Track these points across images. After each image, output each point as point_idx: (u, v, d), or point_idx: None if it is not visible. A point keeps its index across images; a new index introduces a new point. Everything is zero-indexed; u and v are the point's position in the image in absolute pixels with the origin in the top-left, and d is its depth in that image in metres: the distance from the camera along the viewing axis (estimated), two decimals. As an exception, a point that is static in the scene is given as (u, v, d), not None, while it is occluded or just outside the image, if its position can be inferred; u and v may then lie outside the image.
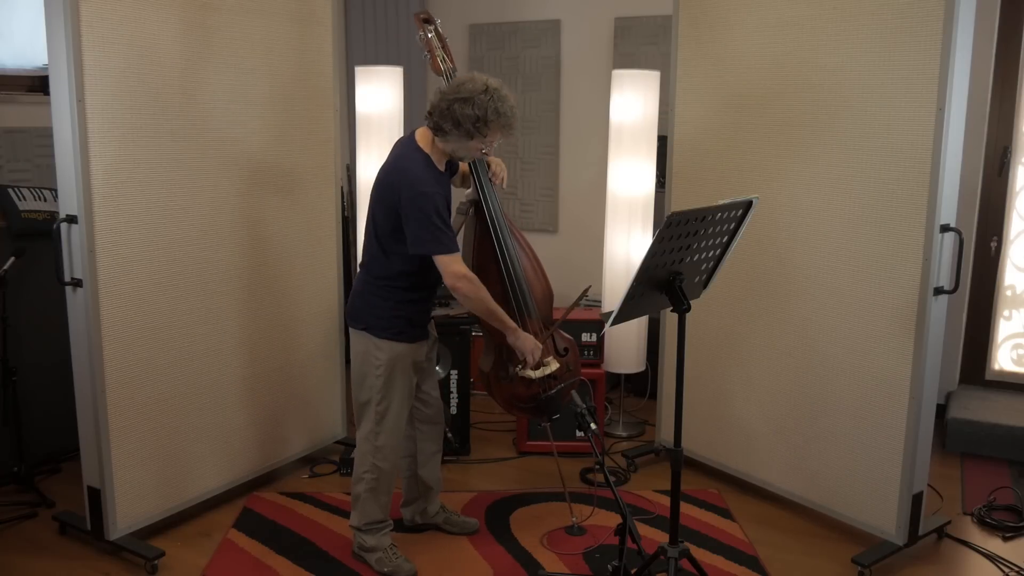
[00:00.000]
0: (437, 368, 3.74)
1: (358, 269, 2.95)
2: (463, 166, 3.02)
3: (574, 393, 2.99)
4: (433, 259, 2.65)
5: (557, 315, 3.20)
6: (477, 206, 2.98)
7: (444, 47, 3.01)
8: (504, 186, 3.04)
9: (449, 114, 2.60)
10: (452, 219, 3.07)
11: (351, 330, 2.85)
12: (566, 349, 3.16)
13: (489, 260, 2.96)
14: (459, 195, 3.04)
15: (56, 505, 3.31)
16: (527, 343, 2.87)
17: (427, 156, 2.70)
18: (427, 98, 2.98)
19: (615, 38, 4.75)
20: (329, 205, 3.69)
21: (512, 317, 2.97)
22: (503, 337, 2.97)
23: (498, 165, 3.00)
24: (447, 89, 2.64)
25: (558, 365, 3.06)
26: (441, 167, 2.75)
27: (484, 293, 2.73)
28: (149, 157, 2.92)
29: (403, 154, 2.73)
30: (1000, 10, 3.99)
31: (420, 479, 3.10)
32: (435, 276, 2.80)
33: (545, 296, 3.12)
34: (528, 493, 3.50)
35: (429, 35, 3.00)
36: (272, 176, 3.40)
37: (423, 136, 2.73)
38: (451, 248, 2.66)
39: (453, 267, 2.66)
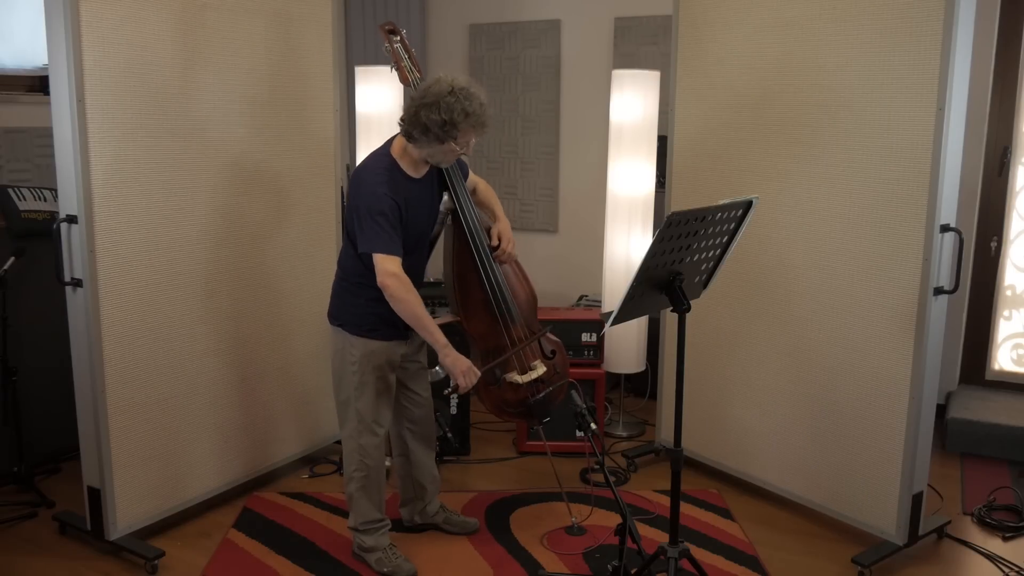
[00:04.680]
0: (436, 368, 3.73)
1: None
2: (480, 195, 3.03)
3: (573, 393, 2.98)
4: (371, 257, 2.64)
5: (544, 317, 3.17)
6: (454, 214, 2.95)
7: (411, 57, 2.99)
8: (511, 257, 3.01)
9: (416, 120, 2.58)
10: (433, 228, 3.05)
11: (330, 328, 2.86)
12: (553, 352, 3.15)
13: (469, 268, 2.94)
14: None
15: (56, 505, 3.31)
16: (459, 363, 2.75)
17: (394, 162, 2.69)
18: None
19: (615, 38, 4.75)
20: (329, 205, 3.69)
21: (495, 324, 2.97)
22: (491, 342, 2.96)
23: (508, 241, 2.97)
24: (415, 94, 2.63)
25: (545, 369, 3.06)
26: (415, 173, 2.73)
27: (412, 297, 2.66)
28: (149, 157, 2.92)
29: (368, 159, 2.74)
30: (1000, 10, 3.99)
31: (414, 479, 3.10)
32: (411, 277, 2.79)
33: (529, 301, 3.10)
34: (528, 493, 3.50)
35: (395, 46, 2.97)
36: (272, 176, 3.40)
37: (398, 142, 2.73)
38: (387, 248, 2.61)
39: (384, 264, 2.61)
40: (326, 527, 3.21)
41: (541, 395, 3.06)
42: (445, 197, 2.98)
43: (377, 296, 2.75)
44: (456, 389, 2.80)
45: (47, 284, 3.20)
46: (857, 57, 2.89)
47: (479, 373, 2.81)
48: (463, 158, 2.84)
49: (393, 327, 2.82)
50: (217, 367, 3.25)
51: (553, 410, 3.12)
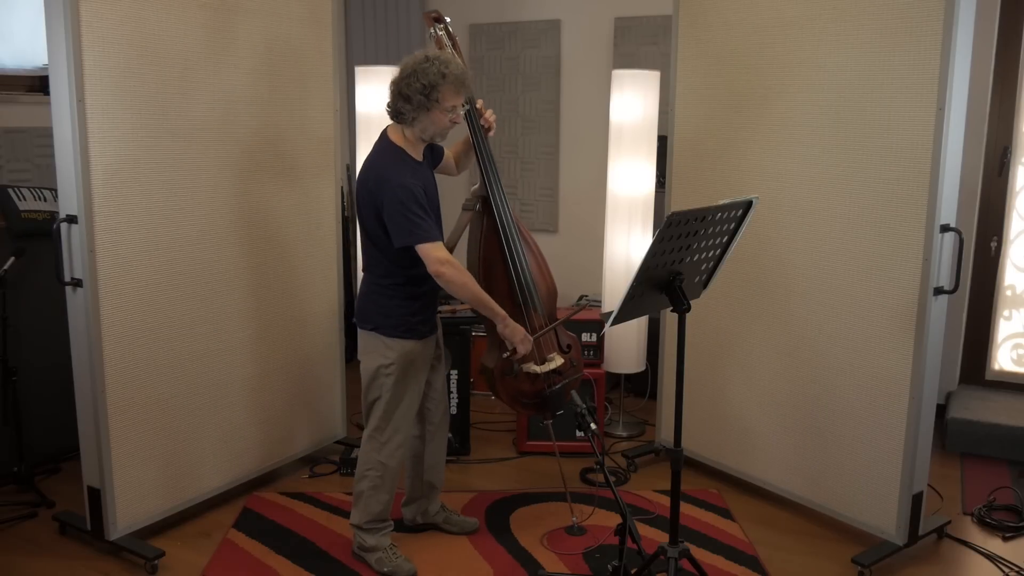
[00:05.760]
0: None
1: (360, 272, 2.95)
2: (453, 149, 3.03)
3: (574, 393, 2.99)
4: (415, 249, 2.63)
5: (560, 314, 3.21)
6: (485, 201, 2.99)
7: (454, 45, 3.02)
8: (492, 131, 3.03)
9: (399, 95, 2.63)
10: (459, 214, 3.09)
11: (360, 331, 2.85)
12: (569, 346, 3.18)
13: (496, 255, 2.98)
14: (447, 184, 3.03)
15: (56, 505, 3.31)
16: (517, 332, 2.84)
17: (401, 150, 2.71)
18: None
19: (615, 38, 4.75)
20: (329, 205, 3.70)
21: (518, 311, 2.99)
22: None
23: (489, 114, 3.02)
24: (394, 78, 2.66)
25: (562, 361, 3.09)
26: (418, 156, 2.75)
27: (469, 279, 2.70)
28: (149, 157, 2.92)
29: (377, 152, 2.75)
30: (1000, 10, 3.99)
31: (424, 479, 3.10)
32: None
33: (550, 292, 3.15)
34: (528, 493, 3.50)
35: (439, 33, 3.01)
36: (272, 176, 3.40)
37: (393, 130, 2.75)
38: (430, 236, 2.63)
39: (434, 253, 2.63)
40: (326, 527, 3.21)
41: (557, 387, 3.09)
42: (475, 186, 3.01)
43: (411, 294, 2.75)
44: (514, 354, 2.87)
45: (47, 284, 3.20)
46: (857, 57, 2.89)
47: (532, 340, 2.88)
48: (439, 144, 2.88)
49: (427, 323, 2.84)
50: (217, 367, 3.25)
51: (567, 403, 3.13)
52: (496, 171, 2.99)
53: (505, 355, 2.92)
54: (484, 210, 3.01)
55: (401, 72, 2.64)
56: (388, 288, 2.77)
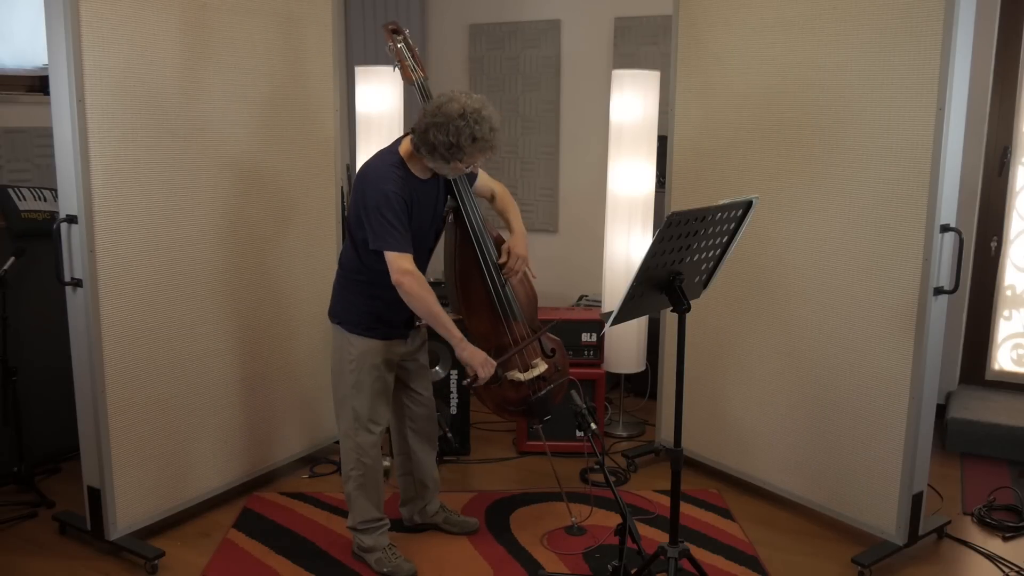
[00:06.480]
0: (437, 368, 3.74)
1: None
2: (498, 204, 3.03)
3: (573, 393, 2.99)
4: (384, 255, 2.63)
5: (544, 314, 3.19)
6: (456, 213, 2.95)
7: (414, 56, 2.97)
8: (517, 274, 2.97)
9: (425, 138, 2.57)
10: None
11: (331, 325, 2.87)
12: (553, 350, 3.16)
13: (471, 265, 2.94)
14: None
15: (56, 505, 3.31)
16: (476, 356, 2.77)
17: (402, 161, 2.69)
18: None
19: (615, 38, 4.75)
20: (328, 205, 3.70)
21: (497, 321, 2.97)
22: (493, 340, 2.96)
23: (516, 259, 2.93)
24: (429, 108, 2.59)
25: (546, 367, 3.07)
26: (422, 174, 2.72)
27: (428, 294, 2.65)
28: (149, 157, 2.92)
29: (380, 154, 2.74)
30: (1000, 10, 3.99)
31: (415, 478, 3.10)
32: None
33: (530, 299, 3.11)
34: (528, 493, 3.50)
35: (399, 45, 2.95)
36: (272, 176, 3.40)
37: (407, 144, 2.71)
38: (400, 247, 2.61)
39: (399, 263, 2.61)
40: (326, 527, 3.21)
41: (542, 393, 3.07)
42: (449, 197, 2.98)
43: (374, 294, 2.74)
44: (475, 380, 2.80)
45: (47, 284, 3.20)
46: (857, 57, 2.89)
47: (495, 364, 2.82)
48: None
49: (391, 326, 2.82)
50: (217, 367, 3.25)
51: (553, 408, 3.13)
52: (466, 181, 2.92)
53: (465, 382, 2.85)
54: (456, 221, 2.95)
55: (434, 112, 2.55)
56: (354, 284, 2.79)
